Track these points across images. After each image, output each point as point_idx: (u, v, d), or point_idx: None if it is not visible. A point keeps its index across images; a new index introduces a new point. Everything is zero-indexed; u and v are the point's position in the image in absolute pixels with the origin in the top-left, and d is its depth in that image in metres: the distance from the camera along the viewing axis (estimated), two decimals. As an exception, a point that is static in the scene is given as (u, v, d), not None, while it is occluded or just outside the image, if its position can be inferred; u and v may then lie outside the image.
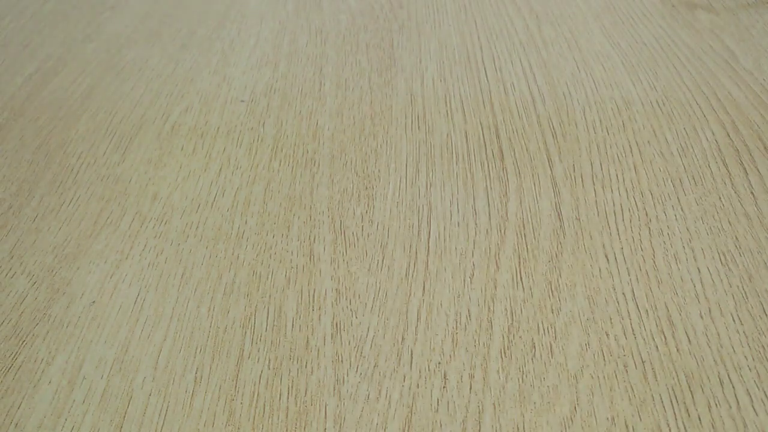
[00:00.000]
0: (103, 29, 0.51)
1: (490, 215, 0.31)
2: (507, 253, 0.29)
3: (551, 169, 0.34)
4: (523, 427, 0.23)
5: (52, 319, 0.28)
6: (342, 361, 0.26)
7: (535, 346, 0.25)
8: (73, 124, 0.40)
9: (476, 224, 0.31)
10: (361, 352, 0.26)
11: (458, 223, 0.31)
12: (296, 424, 0.24)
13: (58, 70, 0.45)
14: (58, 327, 0.28)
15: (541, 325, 0.26)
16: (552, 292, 0.27)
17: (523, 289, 0.28)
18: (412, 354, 0.26)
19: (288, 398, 0.24)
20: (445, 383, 0.24)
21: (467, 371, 0.25)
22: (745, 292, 0.27)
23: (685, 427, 0.22)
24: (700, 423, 0.23)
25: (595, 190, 0.32)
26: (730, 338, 0.25)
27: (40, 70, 0.46)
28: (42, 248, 0.31)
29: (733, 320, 0.26)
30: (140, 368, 0.26)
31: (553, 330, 0.26)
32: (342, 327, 0.27)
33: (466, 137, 0.37)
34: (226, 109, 0.40)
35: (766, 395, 0.23)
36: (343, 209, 0.32)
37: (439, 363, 0.25)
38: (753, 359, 0.25)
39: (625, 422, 0.23)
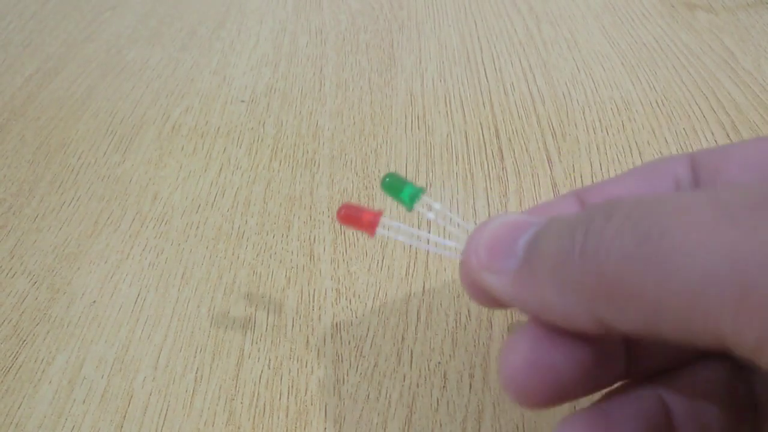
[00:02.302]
0: (104, 29, 0.51)
1: (489, 215, 0.31)
2: (507, 253, 0.29)
3: (551, 170, 0.34)
4: (523, 427, 0.23)
5: (53, 319, 0.28)
6: (342, 361, 0.26)
7: (534, 346, 0.25)
8: (74, 124, 0.40)
9: (476, 224, 0.31)
10: (361, 352, 0.26)
11: (458, 224, 0.31)
12: (296, 424, 0.24)
13: (58, 70, 0.46)
14: (58, 327, 0.28)
15: (540, 325, 0.26)
16: (552, 292, 0.27)
17: (523, 289, 0.28)
18: (412, 354, 0.26)
19: (288, 398, 0.24)
20: (445, 383, 0.24)
21: (467, 371, 0.25)
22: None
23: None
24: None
25: (594, 191, 0.32)
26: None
27: (41, 70, 0.46)
28: (42, 248, 0.31)
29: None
30: (140, 368, 0.26)
31: (553, 330, 0.26)
32: (342, 327, 0.27)
33: (466, 137, 0.37)
34: (227, 109, 0.41)
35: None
36: (343, 209, 0.32)
37: (439, 363, 0.25)
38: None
39: (625, 422, 0.23)
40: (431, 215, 0.20)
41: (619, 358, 0.16)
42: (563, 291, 0.14)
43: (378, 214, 0.20)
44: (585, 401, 0.23)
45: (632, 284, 0.12)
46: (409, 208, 0.20)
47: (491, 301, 0.17)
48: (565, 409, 0.23)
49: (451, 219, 0.20)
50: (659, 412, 0.15)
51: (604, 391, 0.17)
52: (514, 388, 0.15)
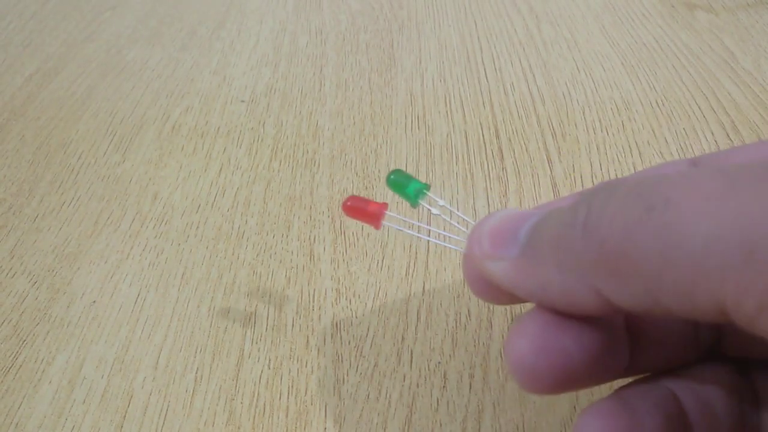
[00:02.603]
0: (104, 29, 0.51)
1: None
2: (507, 253, 0.29)
3: (551, 170, 0.34)
4: (523, 427, 0.23)
5: (53, 319, 0.28)
6: (342, 361, 0.26)
7: (534, 346, 0.25)
8: (74, 124, 0.40)
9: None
10: (361, 352, 0.26)
11: (458, 223, 0.31)
12: (296, 424, 0.24)
13: (58, 70, 0.46)
14: (58, 327, 0.28)
15: (540, 325, 0.26)
16: (552, 292, 0.27)
17: (523, 289, 0.28)
18: (412, 354, 0.26)
19: (288, 398, 0.24)
20: (445, 383, 0.25)
21: (467, 371, 0.25)
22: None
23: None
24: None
25: (594, 191, 0.32)
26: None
27: (41, 70, 0.46)
28: (42, 248, 0.31)
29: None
30: (140, 368, 0.26)
31: (553, 330, 0.26)
32: (342, 327, 0.27)
33: (466, 137, 0.37)
34: (227, 109, 0.41)
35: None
36: (343, 209, 0.32)
37: (439, 363, 0.25)
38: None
39: (625, 422, 0.23)
40: (436, 211, 0.20)
41: (624, 348, 0.16)
42: (565, 267, 0.14)
43: (383, 206, 0.20)
44: (584, 401, 0.23)
45: (635, 254, 0.12)
46: (414, 204, 0.20)
47: (494, 293, 0.17)
48: (564, 408, 0.23)
49: (454, 214, 0.20)
50: (673, 402, 0.16)
51: (609, 386, 0.17)
52: (522, 372, 0.14)
